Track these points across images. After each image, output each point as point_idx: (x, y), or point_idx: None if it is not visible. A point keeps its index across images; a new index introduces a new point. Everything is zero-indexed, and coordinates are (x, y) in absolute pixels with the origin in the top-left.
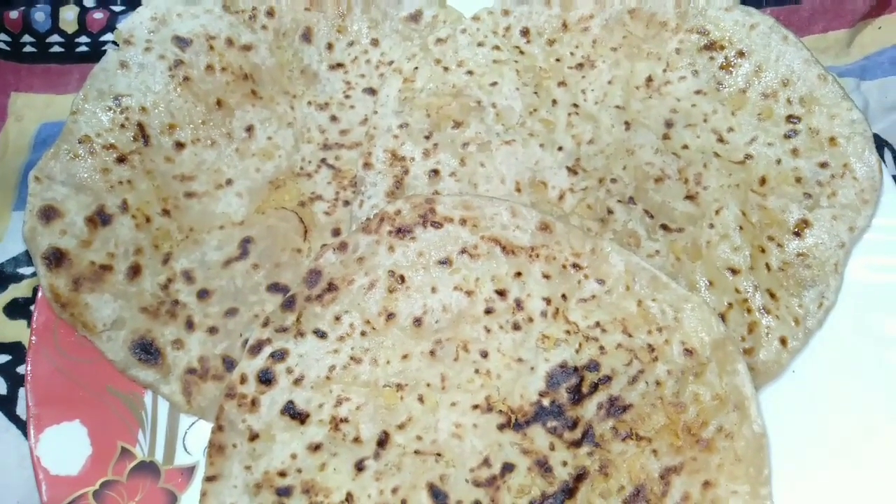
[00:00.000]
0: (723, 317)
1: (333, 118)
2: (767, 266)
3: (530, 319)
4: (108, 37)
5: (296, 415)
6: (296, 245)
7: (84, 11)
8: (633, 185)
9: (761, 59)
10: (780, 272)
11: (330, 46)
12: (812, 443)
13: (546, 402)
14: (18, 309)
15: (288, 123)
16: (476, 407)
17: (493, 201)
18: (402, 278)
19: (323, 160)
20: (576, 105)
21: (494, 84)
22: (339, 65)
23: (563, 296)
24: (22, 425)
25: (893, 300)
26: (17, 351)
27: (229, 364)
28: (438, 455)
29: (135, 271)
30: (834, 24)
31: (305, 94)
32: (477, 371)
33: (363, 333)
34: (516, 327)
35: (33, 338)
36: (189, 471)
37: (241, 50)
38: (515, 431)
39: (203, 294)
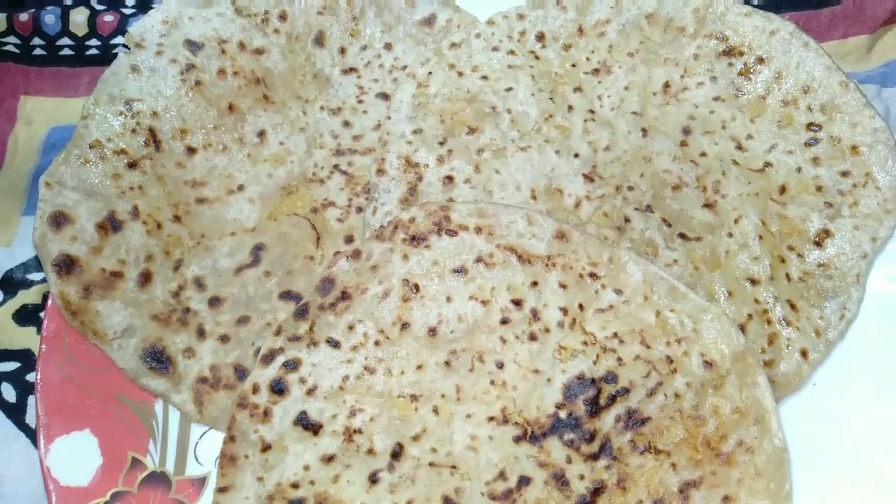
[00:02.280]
0: (742, 328)
1: (346, 123)
2: (788, 276)
3: (547, 330)
4: (118, 40)
5: (309, 425)
6: (308, 252)
7: (94, 14)
8: (650, 192)
9: (781, 66)
10: (801, 283)
11: (343, 51)
12: (834, 457)
13: (563, 414)
14: (28, 315)
15: (300, 128)
16: (492, 419)
17: (509, 209)
18: (417, 287)
19: (335, 166)
20: (592, 111)
21: (509, 89)
22: (352, 69)
23: (580, 306)
24: (31, 434)
25: None
26: (26, 358)
27: (241, 373)
28: (453, 468)
29: (146, 278)
30: (854, 29)
31: (318, 99)
32: (492, 382)
33: (377, 343)
34: (532, 338)
35: (43, 346)
36: (200, 482)
37: (254, 54)
38: (532, 444)
39: (214, 302)
